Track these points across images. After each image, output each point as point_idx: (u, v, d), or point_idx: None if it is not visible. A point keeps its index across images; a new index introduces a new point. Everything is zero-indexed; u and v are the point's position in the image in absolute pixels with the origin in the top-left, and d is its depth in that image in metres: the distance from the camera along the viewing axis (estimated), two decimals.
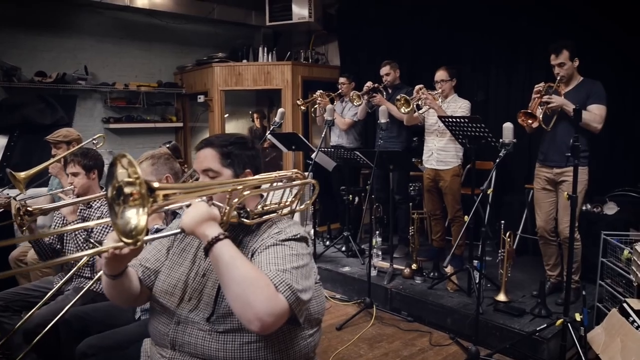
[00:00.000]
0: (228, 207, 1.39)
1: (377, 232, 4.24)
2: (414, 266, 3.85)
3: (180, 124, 6.62)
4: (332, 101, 4.82)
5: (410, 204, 4.17)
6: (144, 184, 1.11)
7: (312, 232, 4.92)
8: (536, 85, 3.21)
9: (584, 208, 3.62)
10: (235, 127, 7.21)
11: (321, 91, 4.81)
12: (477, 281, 3.13)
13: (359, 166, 4.43)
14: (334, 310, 3.73)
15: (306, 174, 4.31)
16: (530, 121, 3.16)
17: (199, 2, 5.99)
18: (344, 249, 4.55)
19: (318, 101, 4.78)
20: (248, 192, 1.42)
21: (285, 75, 5.82)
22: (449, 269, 3.70)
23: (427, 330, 3.34)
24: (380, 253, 4.17)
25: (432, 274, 3.81)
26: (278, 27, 6.30)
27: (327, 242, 4.76)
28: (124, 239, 1.16)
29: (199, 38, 6.59)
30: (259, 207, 1.55)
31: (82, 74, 5.76)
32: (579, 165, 3.02)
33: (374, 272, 3.91)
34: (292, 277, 1.31)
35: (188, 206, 1.35)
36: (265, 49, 6.11)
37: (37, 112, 5.05)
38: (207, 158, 1.53)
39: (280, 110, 4.18)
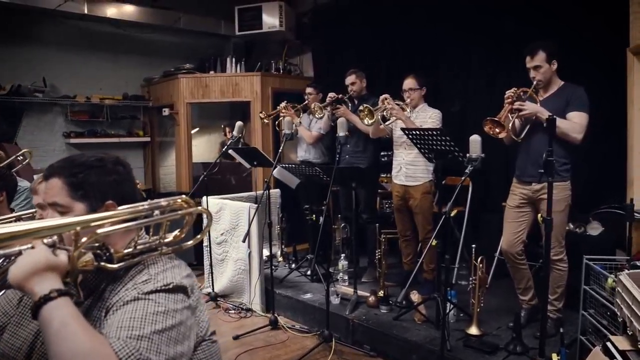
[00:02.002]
0: (73, 250, 1.06)
1: (343, 254, 3.89)
2: (380, 293, 3.50)
3: (148, 139, 6.31)
4: (301, 112, 4.51)
5: (377, 224, 3.82)
6: None
7: (278, 253, 4.61)
8: (507, 92, 2.89)
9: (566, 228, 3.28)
10: (207, 141, 6.91)
11: (285, 102, 4.49)
12: (443, 313, 2.79)
13: (325, 183, 4.08)
14: (291, 343, 3.36)
15: (262, 192, 4.02)
16: (497, 130, 2.82)
17: (163, 10, 5.70)
18: (309, 272, 4.19)
19: (282, 113, 4.46)
20: (106, 229, 1.10)
21: (254, 86, 5.53)
22: (416, 298, 3.35)
23: None
24: (346, 278, 3.82)
25: (399, 302, 3.46)
26: (249, 37, 6.03)
27: (293, 265, 4.39)
28: None
29: (167, 49, 6.30)
30: (132, 244, 1.22)
31: (40, 85, 5.45)
32: (559, 180, 2.74)
33: (337, 300, 3.56)
34: (151, 346, 0.98)
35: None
36: (234, 59, 5.81)
37: None
38: (53, 189, 1.19)
39: (238, 123, 3.89)
